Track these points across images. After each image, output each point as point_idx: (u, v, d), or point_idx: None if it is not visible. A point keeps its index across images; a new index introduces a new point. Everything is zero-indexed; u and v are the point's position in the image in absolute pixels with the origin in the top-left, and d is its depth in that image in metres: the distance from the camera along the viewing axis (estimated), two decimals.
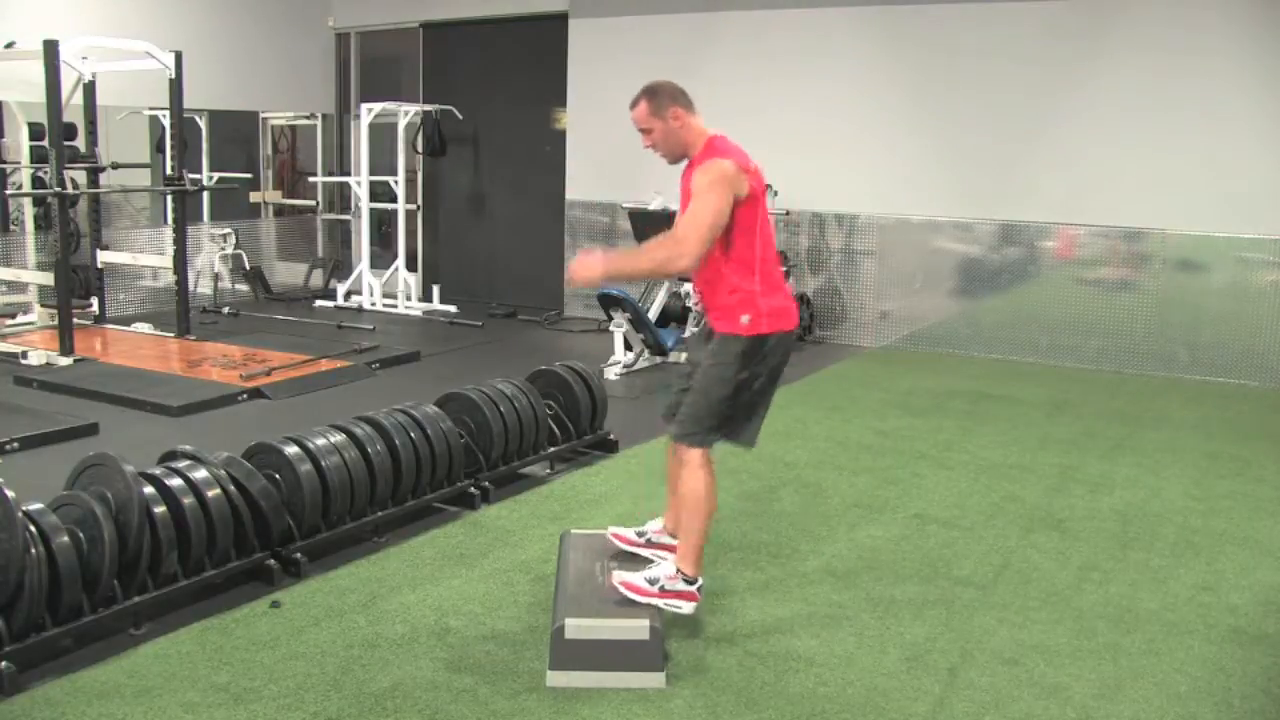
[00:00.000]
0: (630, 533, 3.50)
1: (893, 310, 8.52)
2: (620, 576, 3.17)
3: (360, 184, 9.78)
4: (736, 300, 3.10)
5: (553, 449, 4.98)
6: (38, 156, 7.61)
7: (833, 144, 8.38)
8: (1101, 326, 7.77)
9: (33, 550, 2.97)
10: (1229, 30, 7.18)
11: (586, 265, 3.05)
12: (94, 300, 8.28)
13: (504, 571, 3.79)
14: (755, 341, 3.10)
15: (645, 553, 3.43)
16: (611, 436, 5.31)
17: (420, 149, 10.12)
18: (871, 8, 8.23)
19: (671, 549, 3.33)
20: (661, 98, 3.12)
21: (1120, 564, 3.98)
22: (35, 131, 7.65)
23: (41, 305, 7.89)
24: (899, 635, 3.35)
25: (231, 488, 3.59)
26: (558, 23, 9.56)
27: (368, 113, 9.54)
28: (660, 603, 3.12)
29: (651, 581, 3.15)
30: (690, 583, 3.17)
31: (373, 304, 9.73)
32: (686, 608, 3.17)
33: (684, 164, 3.18)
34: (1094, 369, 7.70)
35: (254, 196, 10.60)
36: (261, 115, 10.88)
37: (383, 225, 10.66)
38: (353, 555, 3.92)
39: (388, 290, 9.79)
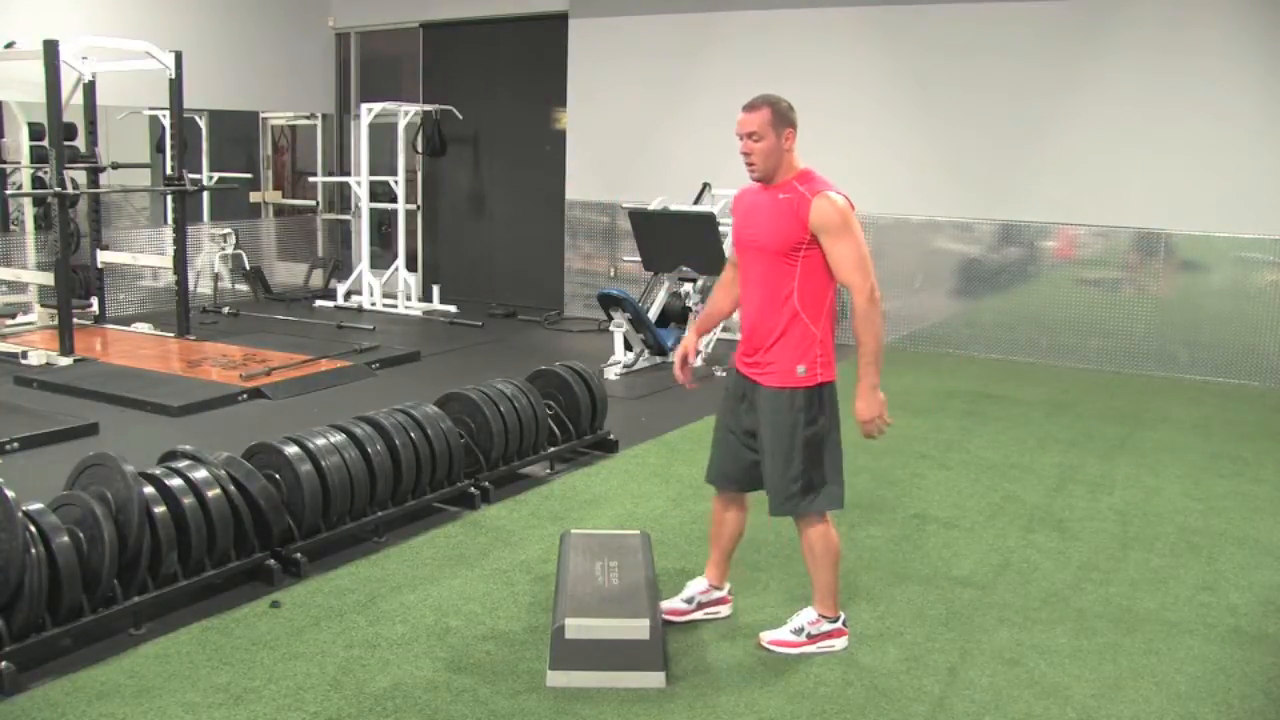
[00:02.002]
0: (678, 602, 3.38)
1: (893, 310, 8.50)
2: (767, 636, 3.20)
3: (360, 184, 9.78)
4: (795, 343, 3.02)
5: (553, 449, 4.98)
6: (38, 156, 7.61)
7: (833, 144, 8.35)
8: (1101, 326, 7.77)
9: (33, 550, 2.97)
10: (1229, 30, 7.18)
11: (875, 409, 3.01)
12: (94, 300, 8.28)
13: (504, 571, 3.79)
14: (814, 392, 3.04)
15: (700, 615, 3.38)
16: (611, 436, 5.31)
17: (420, 149, 10.12)
18: (872, 8, 8.23)
19: (723, 601, 3.38)
20: (784, 113, 3.04)
21: (1120, 564, 3.98)
22: (35, 131, 7.65)
23: (41, 305, 7.89)
24: (899, 635, 3.35)
25: (231, 488, 3.59)
26: (558, 23, 9.56)
27: (368, 113, 9.54)
28: (813, 648, 3.17)
29: (797, 632, 3.18)
30: (834, 621, 3.21)
31: (373, 304, 9.73)
32: (840, 644, 3.21)
33: (754, 184, 3.12)
34: (1094, 369, 7.69)
35: (254, 196, 10.61)
36: (261, 115, 10.88)
37: (383, 225, 10.66)
38: (353, 555, 3.92)
39: (388, 290, 9.79)
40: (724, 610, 3.41)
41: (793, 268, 3.01)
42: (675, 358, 3.30)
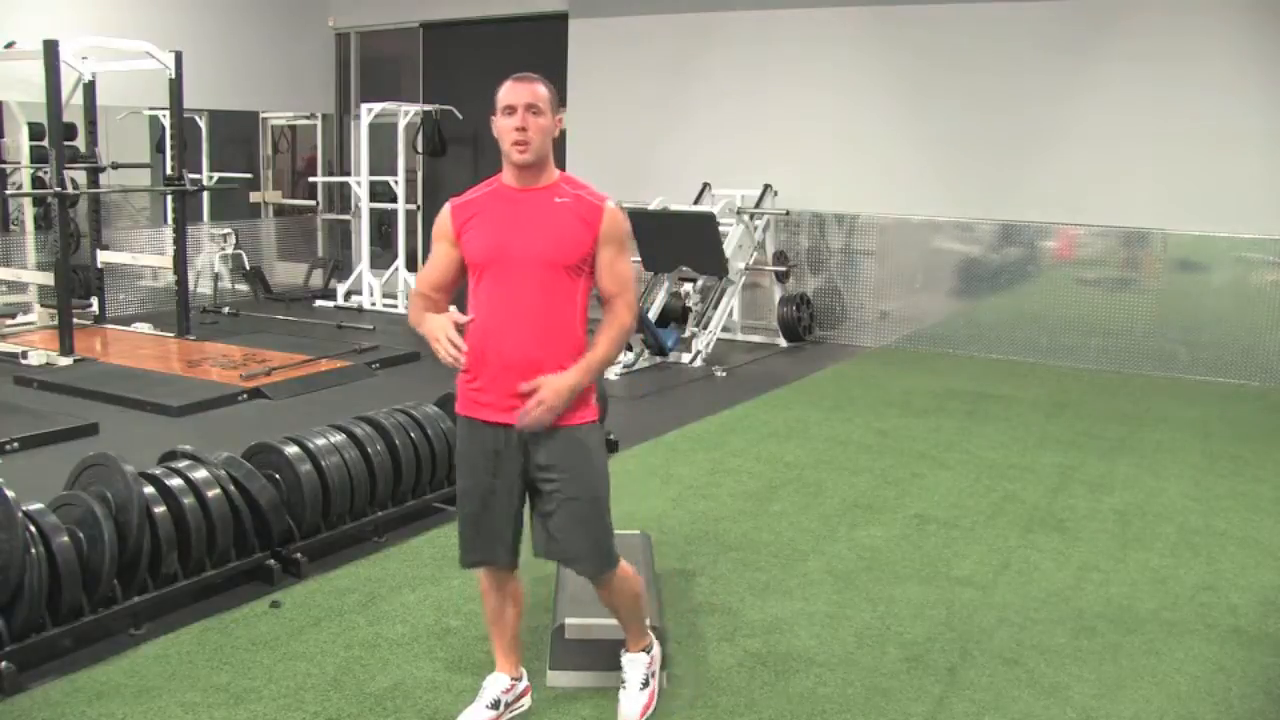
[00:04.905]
0: (481, 710, 2.77)
1: (893, 310, 8.52)
2: (627, 711, 2.79)
3: (360, 184, 9.78)
4: None
5: None
6: (38, 156, 7.61)
7: (833, 144, 8.38)
8: (1101, 326, 7.76)
9: (33, 550, 2.97)
10: (1228, 31, 7.18)
11: (558, 394, 2.48)
12: (94, 300, 8.29)
13: None
14: (602, 421, 2.71)
15: (507, 718, 2.81)
16: (611, 436, 5.31)
17: (420, 149, 10.12)
18: (872, 8, 8.24)
19: (525, 693, 2.85)
20: (555, 95, 2.56)
21: (1120, 564, 3.98)
22: (35, 131, 7.65)
23: (41, 305, 7.90)
24: (899, 635, 3.35)
25: (231, 488, 3.59)
26: (558, 23, 9.57)
27: (368, 113, 9.54)
28: (654, 684, 2.87)
29: (645, 685, 2.83)
30: (649, 649, 2.90)
31: (373, 304, 9.73)
32: (658, 663, 2.93)
33: (520, 175, 2.55)
34: (1094, 369, 7.69)
35: (254, 196, 10.61)
36: (261, 115, 10.88)
37: (383, 225, 10.66)
38: (353, 555, 3.92)
39: (388, 290, 9.79)
40: (527, 702, 2.85)
41: (575, 284, 2.55)
42: (441, 335, 2.63)
